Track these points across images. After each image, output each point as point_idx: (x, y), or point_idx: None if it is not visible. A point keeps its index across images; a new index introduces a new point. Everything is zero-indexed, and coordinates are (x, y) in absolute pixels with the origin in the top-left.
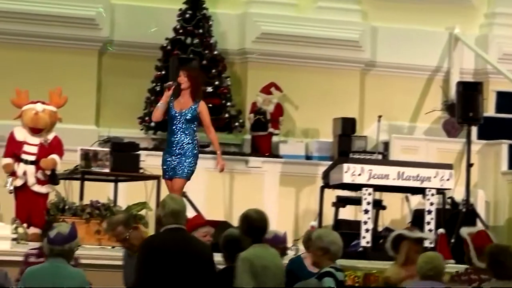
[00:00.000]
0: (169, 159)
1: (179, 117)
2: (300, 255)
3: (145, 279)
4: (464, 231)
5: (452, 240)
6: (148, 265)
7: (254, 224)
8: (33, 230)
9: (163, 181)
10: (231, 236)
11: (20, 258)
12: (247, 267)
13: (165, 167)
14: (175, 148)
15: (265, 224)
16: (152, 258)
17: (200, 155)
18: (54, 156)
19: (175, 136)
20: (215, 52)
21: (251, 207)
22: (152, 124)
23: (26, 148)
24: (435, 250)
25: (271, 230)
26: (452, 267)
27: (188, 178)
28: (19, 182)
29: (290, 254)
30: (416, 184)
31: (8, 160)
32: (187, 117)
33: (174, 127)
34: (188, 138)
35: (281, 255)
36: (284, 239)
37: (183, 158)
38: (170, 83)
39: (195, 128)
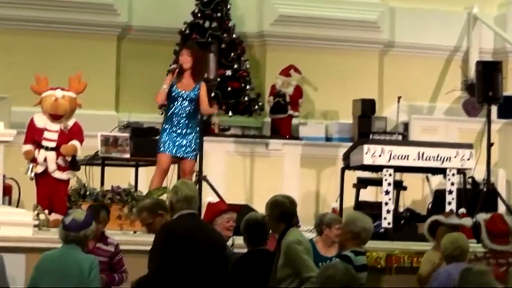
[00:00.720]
0: (173, 137)
1: (183, 98)
2: (312, 239)
3: (163, 267)
4: (481, 216)
5: (474, 220)
6: (166, 252)
7: (286, 209)
8: (54, 216)
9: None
10: (254, 220)
11: (42, 245)
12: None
13: (168, 142)
14: (180, 128)
15: (296, 208)
16: (170, 245)
17: (219, 138)
18: (75, 142)
19: (180, 117)
20: (234, 36)
21: (271, 190)
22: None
23: (46, 134)
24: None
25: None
26: (473, 246)
27: (196, 159)
28: (40, 169)
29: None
30: (437, 164)
31: (29, 147)
32: (191, 97)
33: (178, 108)
34: (193, 119)
35: None
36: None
37: (189, 138)
38: (174, 66)
39: (197, 109)
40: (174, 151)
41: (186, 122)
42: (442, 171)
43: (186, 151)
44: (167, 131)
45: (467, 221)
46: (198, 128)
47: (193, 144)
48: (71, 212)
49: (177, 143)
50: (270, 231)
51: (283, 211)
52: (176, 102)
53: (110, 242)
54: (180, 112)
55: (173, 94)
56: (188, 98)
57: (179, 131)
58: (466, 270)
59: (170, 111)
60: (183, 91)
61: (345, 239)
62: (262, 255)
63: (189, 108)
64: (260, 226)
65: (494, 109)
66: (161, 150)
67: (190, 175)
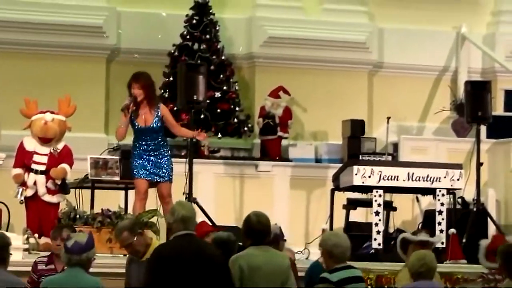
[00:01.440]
0: (148, 162)
1: (147, 131)
2: (318, 260)
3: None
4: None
5: (464, 240)
6: (158, 273)
7: (253, 227)
8: (44, 240)
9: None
10: (220, 239)
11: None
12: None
13: (141, 167)
14: (153, 155)
15: (263, 227)
16: (163, 267)
17: (208, 160)
18: (64, 166)
19: (149, 146)
20: (223, 57)
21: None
22: None
23: (36, 158)
24: (446, 250)
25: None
26: (462, 266)
27: (171, 180)
28: (29, 192)
29: (301, 257)
30: (426, 184)
31: (18, 171)
32: (155, 130)
33: (144, 140)
34: (163, 143)
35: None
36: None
37: (163, 161)
38: (127, 102)
39: (163, 133)
40: (148, 177)
41: (155, 147)
42: (432, 191)
43: (161, 175)
44: (138, 157)
45: (437, 238)
46: (169, 150)
47: (166, 167)
48: (73, 236)
49: (150, 169)
50: None
51: (250, 228)
52: (142, 136)
53: None
54: (147, 143)
55: (136, 129)
56: (152, 131)
57: (149, 157)
58: None
59: (137, 141)
60: (144, 126)
61: (324, 259)
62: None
63: (156, 138)
64: (226, 244)
65: (483, 129)
66: (136, 176)
67: (169, 197)
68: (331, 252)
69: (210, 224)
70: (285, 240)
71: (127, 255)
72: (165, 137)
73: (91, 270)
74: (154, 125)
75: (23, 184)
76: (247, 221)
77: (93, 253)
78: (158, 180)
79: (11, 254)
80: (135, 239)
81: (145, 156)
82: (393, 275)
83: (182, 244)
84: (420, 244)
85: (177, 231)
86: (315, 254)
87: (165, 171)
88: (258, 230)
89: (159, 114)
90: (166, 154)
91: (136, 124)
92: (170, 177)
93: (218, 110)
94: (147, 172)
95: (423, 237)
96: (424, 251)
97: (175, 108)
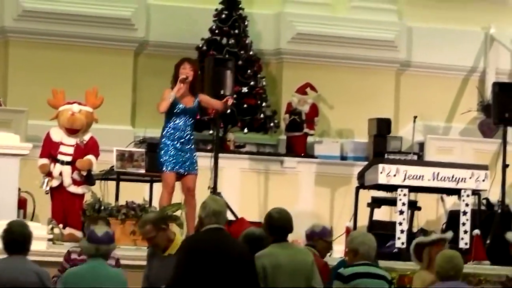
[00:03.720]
0: (177, 153)
1: (186, 112)
2: (344, 258)
3: (183, 278)
4: (510, 235)
5: (488, 241)
6: (188, 264)
7: (275, 224)
8: (68, 230)
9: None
10: (251, 235)
11: (56, 259)
12: (259, 267)
13: (172, 159)
14: (183, 144)
15: (285, 223)
16: (192, 258)
17: (234, 155)
18: (90, 157)
19: (184, 132)
20: (251, 53)
21: (285, 208)
22: None
23: (62, 148)
24: (470, 251)
25: (318, 224)
26: (487, 268)
27: (197, 173)
28: (55, 183)
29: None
30: (452, 185)
31: (44, 161)
32: (194, 111)
33: (182, 123)
34: (191, 134)
35: (327, 250)
36: (330, 233)
37: (192, 154)
38: (184, 76)
39: (195, 122)
40: (178, 168)
41: (188, 136)
42: (456, 191)
43: (189, 166)
44: (168, 147)
45: (447, 234)
46: (195, 143)
47: (192, 160)
48: (93, 227)
49: (180, 159)
50: None
51: (272, 225)
52: (179, 117)
53: (111, 256)
54: (183, 127)
55: (176, 109)
56: (191, 113)
57: (181, 146)
58: None
59: (172, 126)
60: (187, 106)
61: (349, 257)
62: None
63: (192, 122)
64: (258, 240)
65: (510, 130)
66: (165, 169)
67: (194, 191)
68: (357, 250)
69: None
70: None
71: (149, 247)
72: (193, 129)
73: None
74: (194, 108)
75: (49, 174)
76: (269, 218)
77: (114, 245)
78: (186, 173)
79: None
80: (158, 233)
81: (176, 146)
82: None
83: (211, 238)
84: (436, 243)
85: (208, 224)
86: (338, 252)
87: (192, 163)
88: (280, 227)
89: (198, 101)
90: (193, 147)
91: (178, 103)
92: (196, 169)
93: (245, 105)
94: (176, 165)
95: (436, 236)
96: (450, 252)
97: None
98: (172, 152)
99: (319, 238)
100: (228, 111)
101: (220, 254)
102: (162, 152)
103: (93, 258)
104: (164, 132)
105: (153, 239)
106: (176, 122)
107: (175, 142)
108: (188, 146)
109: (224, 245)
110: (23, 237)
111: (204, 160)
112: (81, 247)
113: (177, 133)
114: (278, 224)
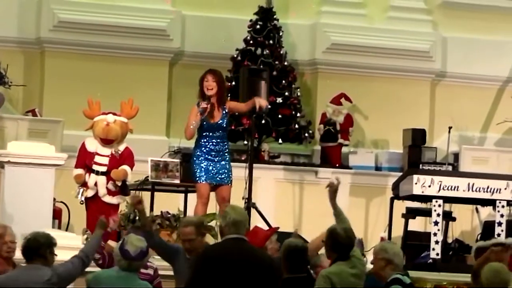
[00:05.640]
0: (210, 164)
1: (215, 128)
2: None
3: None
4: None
5: None
6: (202, 272)
7: (340, 241)
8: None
9: None
10: (294, 247)
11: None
12: (327, 284)
13: (205, 170)
14: (215, 156)
15: (351, 242)
16: (208, 266)
17: (268, 165)
18: (125, 167)
19: (215, 145)
20: (285, 63)
21: (320, 218)
22: None
23: (97, 159)
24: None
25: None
26: None
27: (231, 183)
28: (90, 193)
29: None
30: (487, 195)
31: (80, 171)
32: (223, 126)
33: (210, 138)
34: (226, 144)
35: None
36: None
37: (225, 164)
38: (205, 106)
39: (227, 133)
40: (211, 180)
41: (221, 147)
42: (492, 202)
43: (223, 177)
44: (200, 158)
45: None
46: (229, 153)
47: (227, 170)
48: (128, 240)
49: (213, 171)
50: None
51: (337, 242)
52: (209, 133)
53: (149, 265)
54: (215, 141)
55: (205, 127)
56: (220, 128)
57: (213, 157)
58: None
59: (202, 140)
60: (214, 123)
61: (380, 268)
62: (302, 282)
63: (221, 137)
64: (300, 252)
65: None
66: (199, 180)
67: (229, 201)
68: (392, 260)
69: (266, 227)
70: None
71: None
72: (227, 139)
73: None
74: (222, 122)
75: (84, 184)
76: (334, 234)
77: (149, 256)
78: (219, 183)
79: (56, 255)
80: (197, 237)
81: (208, 158)
82: (451, 285)
83: (231, 247)
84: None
85: (228, 234)
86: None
87: (226, 174)
88: (346, 244)
89: (226, 111)
90: (227, 157)
91: (207, 121)
92: (231, 180)
93: (280, 116)
94: (210, 176)
95: (498, 240)
96: (497, 265)
97: (237, 114)
98: (204, 164)
99: None
100: (263, 114)
101: (238, 263)
102: (195, 163)
103: (125, 270)
104: (197, 144)
105: (191, 242)
106: (206, 135)
107: (207, 154)
108: (221, 157)
109: (243, 255)
110: (37, 243)
111: (238, 171)
112: (114, 256)
113: (209, 145)
114: (344, 242)
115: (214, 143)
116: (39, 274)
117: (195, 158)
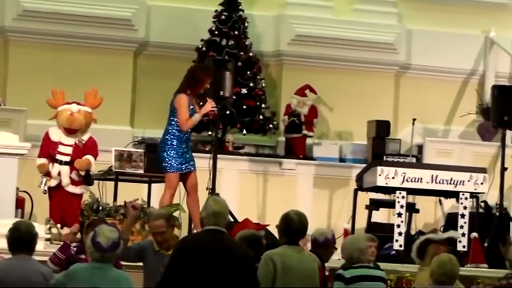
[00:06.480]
0: (181, 154)
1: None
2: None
3: (176, 277)
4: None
5: (486, 244)
6: (182, 263)
7: (293, 226)
8: (66, 230)
9: None
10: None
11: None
12: (269, 266)
13: (176, 159)
14: (186, 143)
15: (303, 228)
16: (186, 256)
17: (233, 156)
18: (89, 157)
19: (188, 136)
20: (250, 54)
21: (284, 209)
22: None
23: (60, 148)
24: (468, 254)
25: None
26: (484, 270)
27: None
28: (53, 183)
29: None
30: (450, 187)
31: (43, 160)
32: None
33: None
34: (191, 132)
35: (330, 255)
36: (334, 239)
37: (191, 152)
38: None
39: None
40: (182, 169)
41: (188, 135)
42: (455, 194)
43: (191, 164)
44: (175, 148)
45: (454, 234)
46: None
47: (192, 158)
48: (100, 231)
49: (184, 160)
50: None
51: (289, 227)
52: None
53: None
54: (188, 132)
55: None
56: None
57: (185, 146)
58: None
59: (176, 128)
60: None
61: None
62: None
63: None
64: (255, 241)
65: (509, 133)
66: (171, 170)
67: (197, 186)
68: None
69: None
70: (336, 249)
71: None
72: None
73: None
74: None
75: (47, 174)
76: (288, 219)
77: (122, 246)
78: (189, 170)
79: None
80: (168, 230)
81: (181, 148)
82: (414, 277)
83: (208, 238)
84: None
85: (207, 225)
86: (337, 253)
87: (193, 161)
88: (298, 230)
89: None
90: (190, 144)
91: (194, 111)
92: (195, 166)
93: (244, 107)
94: (180, 165)
95: (443, 235)
96: (444, 257)
97: (201, 103)
98: (177, 153)
99: (326, 249)
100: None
101: (215, 254)
102: (166, 153)
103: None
104: (169, 134)
105: (163, 234)
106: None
107: (180, 143)
108: (189, 145)
109: (220, 246)
110: (31, 235)
111: (202, 161)
112: (87, 249)
113: (185, 136)
114: (296, 227)
115: (188, 135)
116: (37, 266)
117: (167, 147)
